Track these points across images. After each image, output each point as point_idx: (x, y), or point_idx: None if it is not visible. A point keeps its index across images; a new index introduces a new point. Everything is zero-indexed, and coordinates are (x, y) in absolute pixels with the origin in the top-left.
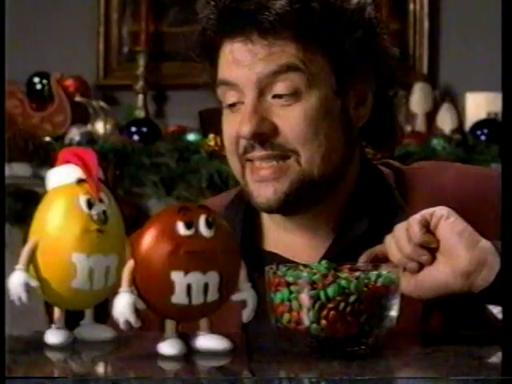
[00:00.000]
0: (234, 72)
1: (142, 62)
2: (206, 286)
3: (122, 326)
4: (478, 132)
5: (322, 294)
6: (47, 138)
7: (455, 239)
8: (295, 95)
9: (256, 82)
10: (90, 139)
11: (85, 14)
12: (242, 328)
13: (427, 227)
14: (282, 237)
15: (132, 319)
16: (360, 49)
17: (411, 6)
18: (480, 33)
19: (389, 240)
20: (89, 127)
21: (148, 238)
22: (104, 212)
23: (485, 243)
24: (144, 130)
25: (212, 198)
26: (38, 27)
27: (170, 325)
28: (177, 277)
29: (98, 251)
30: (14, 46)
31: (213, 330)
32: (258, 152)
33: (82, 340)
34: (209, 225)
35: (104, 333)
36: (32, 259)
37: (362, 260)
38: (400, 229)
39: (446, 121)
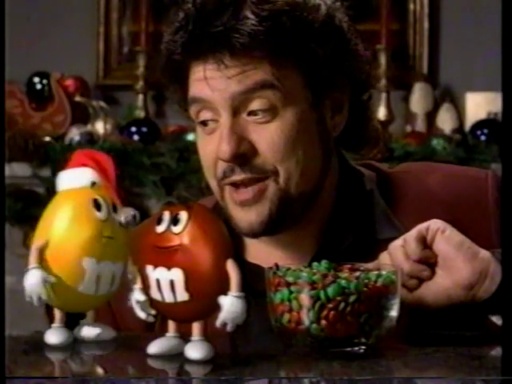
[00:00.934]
0: (207, 90)
1: (141, 62)
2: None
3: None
4: (478, 132)
5: (321, 294)
6: (47, 138)
7: (454, 252)
8: (271, 111)
9: (230, 101)
10: (89, 139)
11: (85, 14)
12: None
13: (424, 242)
14: (264, 250)
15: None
16: (333, 58)
17: (411, 6)
18: (480, 33)
19: (384, 258)
20: (89, 127)
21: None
22: (134, 217)
23: (484, 253)
24: (144, 129)
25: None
26: (38, 27)
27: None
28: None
29: (107, 258)
30: (14, 46)
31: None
32: (238, 176)
33: (81, 340)
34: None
35: (104, 333)
36: (42, 258)
37: None
38: (395, 247)
39: (446, 121)
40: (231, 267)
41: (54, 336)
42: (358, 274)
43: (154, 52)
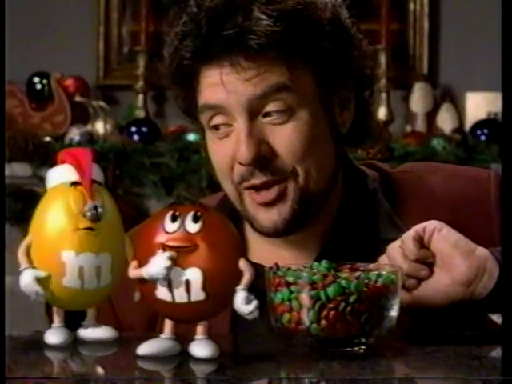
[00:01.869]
0: (221, 95)
1: (141, 62)
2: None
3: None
4: (478, 132)
5: (322, 294)
6: (47, 138)
7: (451, 250)
8: (286, 112)
9: (247, 105)
10: (89, 139)
11: (85, 14)
12: (231, 329)
13: (421, 242)
14: (267, 249)
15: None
16: (340, 54)
17: (411, 6)
18: (480, 33)
19: (383, 261)
20: (89, 127)
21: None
22: (96, 210)
23: (481, 251)
24: (144, 129)
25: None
26: (38, 27)
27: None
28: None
29: (87, 250)
30: (14, 46)
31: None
32: (258, 179)
33: (83, 340)
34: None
35: (105, 333)
36: (28, 257)
37: None
38: (393, 248)
39: (446, 121)
40: (245, 265)
41: (53, 336)
42: (357, 274)
43: (159, 59)
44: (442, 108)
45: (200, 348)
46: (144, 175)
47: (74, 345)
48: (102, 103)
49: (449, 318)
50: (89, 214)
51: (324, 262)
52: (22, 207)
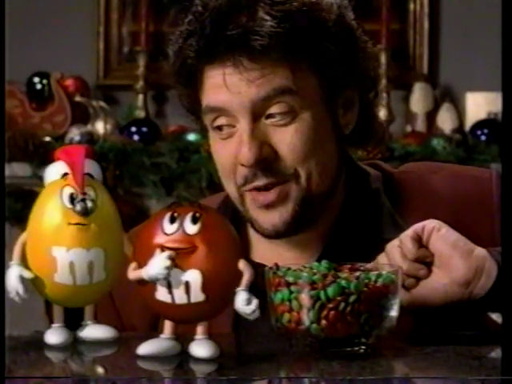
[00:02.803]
0: (224, 97)
1: (141, 62)
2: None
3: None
4: (478, 132)
5: (322, 294)
6: (47, 138)
7: (450, 250)
8: (290, 114)
9: (250, 108)
10: (89, 139)
11: (85, 14)
12: (233, 329)
13: (420, 242)
14: (270, 250)
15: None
16: (345, 56)
17: (411, 6)
18: (480, 33)
19: (382, 259)
20: (89, 127)
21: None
22: (84, 203)
23: (480, 251)
24: (144, 129)
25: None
26: (38, 27)
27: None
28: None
29: (78, 245)
30: (13, 46)
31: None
32: (261, 181)
33: (82, 340)
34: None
35: (105, 333)
36: (22, 254)
37: None
38: (392, 247)
39: (446, 121)
40: (244, 266)
41: (53, 336)
42: (357, 274)
43: (161, 58)
44: (441, 108)
45: (200, 348)
46: (144, 175)
47: (74, 345)
48: (102, 103)
49: (448, 317)
50: (78, 206)
51: (324, 262)
52: (22, 207)
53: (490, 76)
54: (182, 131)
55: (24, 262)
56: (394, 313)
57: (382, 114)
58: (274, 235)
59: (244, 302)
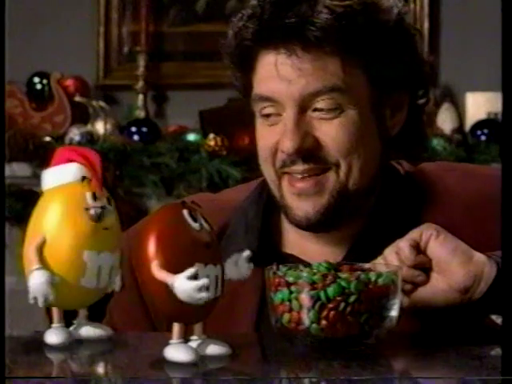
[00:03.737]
0: (274, 87)
1: (141, 62)
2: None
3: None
4: (478, 132)
5: (322, 294)
6: (47, 138)
7: (448, 257)
8: (336, 110)
9: (298, 99)
10: (89, 139)
11: (85, 14)
12: (254, 328)
13: (417, 248)
14: (300, 241)
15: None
16: (398, 59)
17: (411, 6)
18: (480, 33)
19: (379, 262)
20: (89, 127)
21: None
22: (102, 212)
23: (479, 257)
24: (144, 129)
25: (228, 191)
26: (38, 27)
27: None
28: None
29: (106, 248)
30: (14, 46)
31: (219, 330)
32: (300, 166)
33: (77, 339)
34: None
35: (100, 331)
36: (40, 257)
37: None
38: (390, 253)
39: (446, 121)
40: None
41: (53, 336)
42: (357, 273)
43: (159, 60)
44: (441, 108)
45: (214, 346)
46: (144, 175)
47: (73, 345)
48: (102, 103)
49: (448, 319)
50: (92, 211)
51: (324, 262)
52: (22, 207)
53: (490, 76)
54: (182, 131)
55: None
56: (394, 313)
57: None
58: (304, 224)
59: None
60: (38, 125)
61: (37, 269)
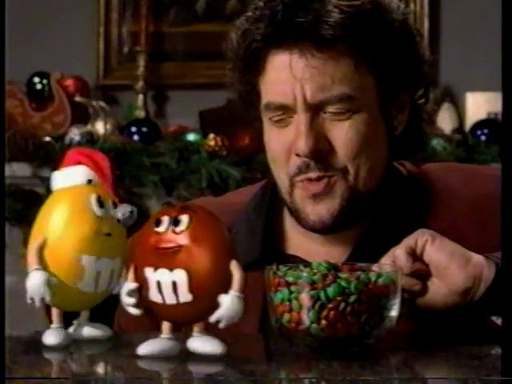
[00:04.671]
0: (288, 90)
1: (142, 61)
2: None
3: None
4: (478, 132)
5: (322, 294)
6: (47, 138)
7: (446, 261)
8: (348, 112)
9: (311, 103)
10: (89, 139)
11: (85, 14)
12: (259, 329)
13: (414, 255)
14: (304, 243)
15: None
16: (403, 59)
17: (411, 6)
18: (480, 33)
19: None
20: (89, 127)
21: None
22: (131, 213)
23: (478, 258)
24: (144, 129)
25: (232, 194)
26: (38, 27)
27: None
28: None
29: (106, 254)
30: (14, 46)
31: (210, 330)
32: (313, 173)
33: (77, 339)
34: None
35: (100, 332)
36: (40, 258)
37: None
38: (386, 261)
39: (446, 121)
40: (235, 267)
41: (52, 337)
42: (357, 273)
43: (159, 59)
44: (442, 108)
45: (205, 344)
46: (144, 175)
47: (73, 345)
48: (101, 103)
49: (448, 321)
50: (124, 216)
51: (324, 262)
52: (22, 207)
53: (490, 76)
54: (182, 131)
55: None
56: (394, 313)
57: None
58: (319, 228)
59: (227, 305)
60: (38, 125)
61: (35, 269)
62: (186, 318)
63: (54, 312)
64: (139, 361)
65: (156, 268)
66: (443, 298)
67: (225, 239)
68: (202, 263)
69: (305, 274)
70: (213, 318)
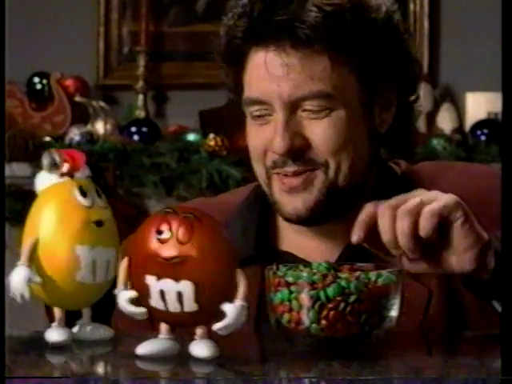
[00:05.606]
0: (264, 88)
1: (142, 62)
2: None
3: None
4: (478, 132)
5: (321, 294)
6: (47, 138)
7: (467, 248)
8: (325, 111)
9: (287, 101)
10: (89, 139)
11: (85, 14)
12: (254, 327)
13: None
14: (297, 238)
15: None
16: (387, 57)
17: (411, 6)
18: (480, 33)
19: (386, 215)
20: (89, 127)
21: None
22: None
23: (485, 235)
24: (144, 129)
25: (226, 194)
26: (38, 27)
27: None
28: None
29: (99, 243)
30: (14, 46)
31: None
32: (290, 167)
33: (79, 340)
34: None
35: (102, 332)
36: (33, 256)
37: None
38: (405, 213)
39: (446, 121)
40: (241, 276)
41: (55, 334)
42: (357, 273)
43: (159, 59)
44: (441, 108)
45: (200, 348)
46: (144, 175)
47: (73, 345)
48: (101, 103)
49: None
50: (48, 163)
51: (324, 262)
52: (22, 207)
53: (490, 76)
54: (182, 131)
55: (36, 266)
56: (394, 313)
57: None
58: (295, 220)
59: (232, 315)
60: (38, 125)
61: (20, 265)
62: (188, 325)
63: (57, 311)
64: (138, 361)
65: (159, 277)
66: (450, 268)
67: (229, 247)
68: (210, 275)
69: (305, 274)
70: (218, 327)
